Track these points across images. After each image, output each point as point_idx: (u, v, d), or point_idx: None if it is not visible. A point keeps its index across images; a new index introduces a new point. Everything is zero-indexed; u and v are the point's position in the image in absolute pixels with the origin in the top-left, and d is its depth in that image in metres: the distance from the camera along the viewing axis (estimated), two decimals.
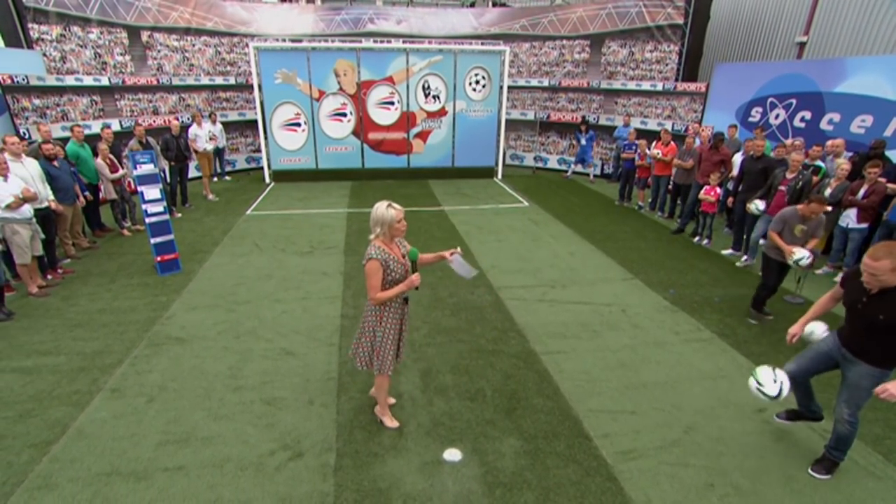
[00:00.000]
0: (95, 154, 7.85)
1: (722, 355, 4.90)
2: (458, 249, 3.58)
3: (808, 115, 8.80)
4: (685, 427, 3.86)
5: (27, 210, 5.66)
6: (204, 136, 10.56)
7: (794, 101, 9.03)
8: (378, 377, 3.63)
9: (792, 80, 9.06)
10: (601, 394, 4.26)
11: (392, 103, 12.08)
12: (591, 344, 5.03)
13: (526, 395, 4.17)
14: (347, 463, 3.40)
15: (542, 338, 5.11)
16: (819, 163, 7.43)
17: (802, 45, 10.63)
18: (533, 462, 3.46)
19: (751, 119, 9.93)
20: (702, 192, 7.98)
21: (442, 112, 12.35)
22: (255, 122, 12.04)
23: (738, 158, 8.24)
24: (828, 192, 6.73)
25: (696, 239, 8.26)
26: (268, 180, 12.24)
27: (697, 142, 9.07)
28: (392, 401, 4.02)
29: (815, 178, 6.93)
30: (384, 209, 3.19)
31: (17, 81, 8.81)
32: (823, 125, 8.57)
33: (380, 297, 3.22)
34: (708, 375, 4.56)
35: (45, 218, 6.16)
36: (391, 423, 3.78)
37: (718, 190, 7.83)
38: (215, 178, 12.22)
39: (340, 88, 11.75)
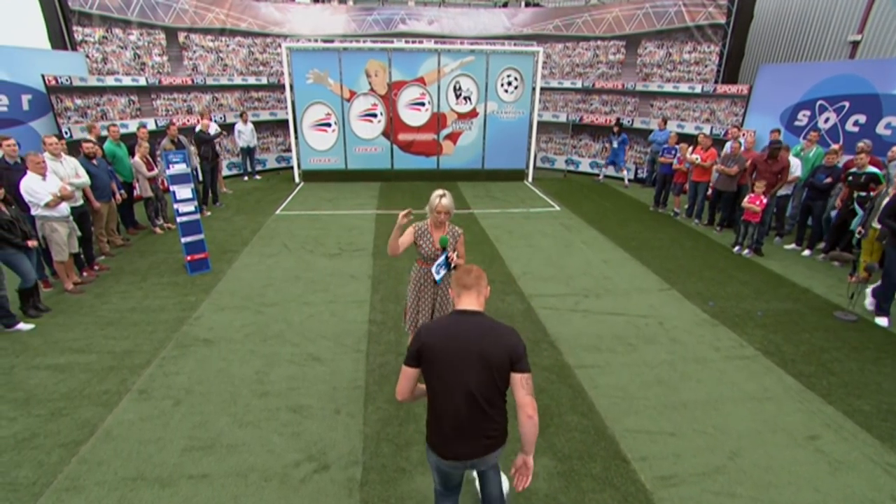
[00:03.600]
0: (131, 153, 8.00)
1: (767, 375, 4.61)
2: (453, 255, 3.71)
3: (862, 118, 8.30)
4: (729, 452, 3.62)
5: (64, 208, 5.77)
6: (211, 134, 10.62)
7: (846, 104, 8.53)
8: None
9: (845, 82, 8.56)
10: (638, 412, 4.04)
11: (423, 104, 11.99)
12: (626, 358, 4.81)
13: (559, 412, 3.99)
14: (374, 478, 3.29)
15: (575, 350, 4.91)
16: (873, 169, 6.98)
17: (856, 43, 10.07)
18: (567, 484, 3.29)
19: (797, 123, 9.45)
20: (745, 199, 7.60)
21: (473, 113, 12.20)
22: (286, 121, 12.13)
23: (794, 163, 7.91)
24: (885, 201, 6.31)
25: (737, 248, 7.87)
26: (297, 180, 12.31)
27: (743, 146, 8.69)
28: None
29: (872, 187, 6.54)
30: (434, 196, 3.64)
31: (62, 82, 9.06)
32: (881, 129, 8.05)
33: (391, 242, 3.63)
34: (753, 396, 4.29)
35: (81, 216, 6.28)
36: None
37: (764, 199, 7.44)
38: (246, 178, 12.38)
39: (371, 89, 11.72)
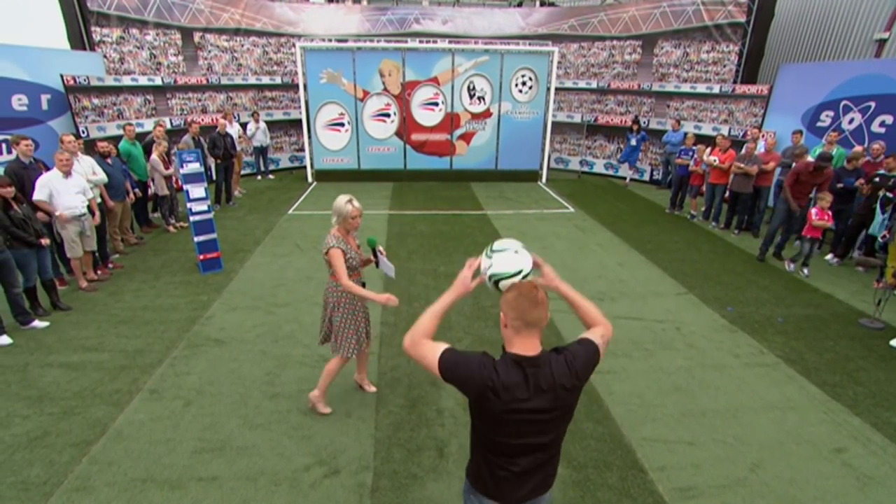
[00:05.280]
0: (146, 151, 8.06)
1: (789, 383, 4.47)
2: (382, 248, 3.68)
3: (889, 119, 8.06)
4: (751, 464, 3.50)
5: (76, 207, 5.79)
6: (232, 135, 10.63)
7: (872, 104, 8.29)
8: (334, 359, 3.73)
9: (871, 81, 8.31)
10: (656, 420, 3.93)
11: (436, 104, 11.94)
12: (643, 364, 4.70)
13: (574, 419, 3.84)
14: (385, 484, 3.23)
15: None
16: None
17: (882, 42, 9.79)
18: (583, 494, 3.20)
19: (819, 124, 9.22)
20: (814, 215, 6.69)
21: (486, 114, 12.12)
22: (300, 121, 12.15)
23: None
24: None
25: (791, 266, 7.15)
26: (310, 179, 12.33)
27: (761, 147, 8.50)
28: (373, 388, 4.15)
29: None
30: (343, 203, 3.36)
31: (80, 82, 9.15)
32: None
33: (348, 285, 3.38)
34: (774, 406, 4.15)
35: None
36: (324, 409, 3.87)
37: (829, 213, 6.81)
38: (259, 177, 12.42)
39: (385, 89, 11.69)
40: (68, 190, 5.62)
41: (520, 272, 1.90)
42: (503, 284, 1.89)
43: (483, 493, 1.93)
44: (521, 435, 1.77)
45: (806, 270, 6.99)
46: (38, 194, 5.46)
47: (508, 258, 1.92)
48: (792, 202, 7.15)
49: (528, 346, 1.74)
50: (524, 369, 1.71)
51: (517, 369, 1.71)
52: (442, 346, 1.78)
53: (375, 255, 3.67)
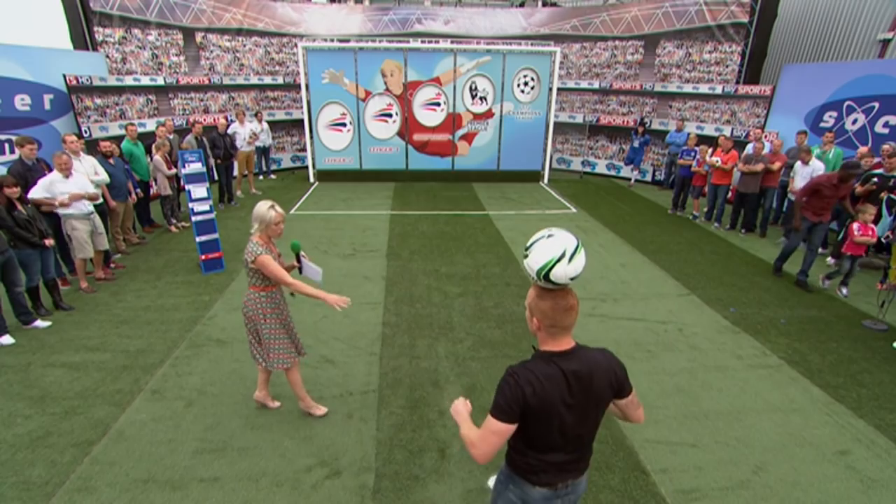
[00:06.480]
0: (148, 152, 8.06)
1: (792, 385, 4.45)
2: (304, 253, 3.65)
3: (893, 119, 8.02)
4: (754, 466, 3.49)
5: (85, 206, 5.81)
6: (244, 134, 10.66)
7: (876, 105, 8.27)
8: (287, 374, 3.62)
9: (874, 82, 8.28)
10: (658, 422, 3.92)
11: (438, 104, 11.93)
12: (645, 366, 4.68)
13: None
14: (387, 485, 3.22)
15: None
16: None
17: (886, 42, 9.75)
18: (585, 496, 3.18)
19: (822, 125, 9.19)
20: (856, 231, 5.99)
21: (488, 114, 12.11)
22: (302, 121, 12.15)
23: (800, 169, 7.71)
24: None
25: (826, 283, 6.57)
26: (312, 180, 12.33)
27: (767, 148, 8.48)
28: (277, 404, 3.97)
29: None
30: (266, 209, 3.27)
31: (82, 82, 9.16)
32: None
33: (294, 284, 3.27)
34: (777, 407, 4.14)
35: (99, 214, 6.32)
36: (319, 410, 3.83)
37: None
38: (261, 177, 12.43)
39: (387, 89, 11.69)
40: (70, 190, 5.62)
41: (563, 254, 1.75)
42: (555, 275, 1.75)
43: (527, 482, 1.95)
44: (554, 430, 1.81)
45: (844, 290, 6.38)
46: (35, 193, 5.47)
47: (543, 246, 1.79)
48: (797, 218, 6.57)
49: (562, 344, 1.81)
50: (558, 364, 1.77)
51: (552, 365, 1.77)
52: (488, 420, 1.78)
53: (299, 260, 3.59)
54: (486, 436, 1.76)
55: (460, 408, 1.99)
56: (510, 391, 1.74)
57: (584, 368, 1.79)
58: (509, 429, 1.75)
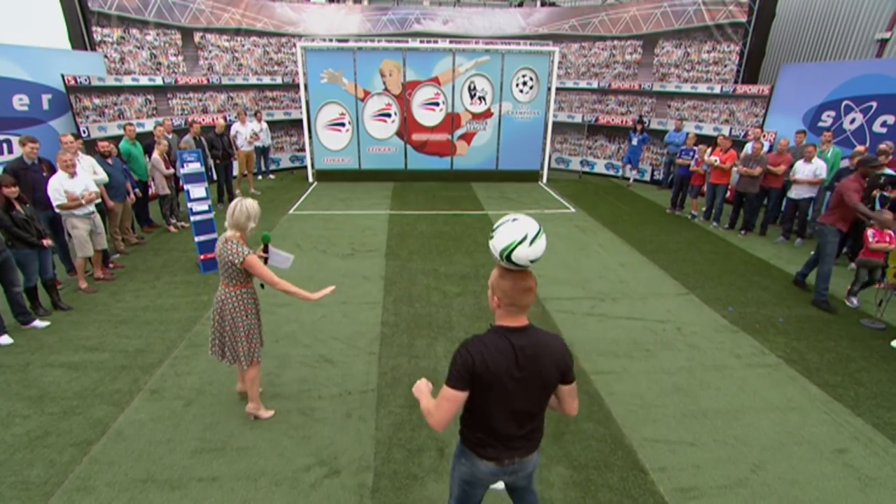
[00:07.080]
0: (146, 151, 8.06)
1: (790, 384, 4.46)
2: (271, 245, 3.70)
3: (890, 119, 8.04)
4: (752, 465, 3.49)
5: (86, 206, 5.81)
6: (246, 134, 10.66)
7: (874, 104, 8.28)
8: (250, 368, 3.62)
9: (872, 81, 8.29)
10: (656, 421, 3.93)
11: (437, 104, 11.93)
12: (644, 364, 4.69)
13: (575, 419, 3.89)
14: (385, 484, 3.22)
15: (591, 356, 4.80)
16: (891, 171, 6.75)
17: (884, 42, 9.77)
18: (584, 495, 3.19)
19: (821, 124, 9.20)
20: (870, 237, 5.74)
21: (487, 114, 12.11)
22: (300, 121, 12.14)
23: (801, 167, 7.73)
24: None
25: (855, 301, 6.13)
26: (311, 179, 12.33)
27: (767, 147, 8.49)
28: (270, 413, 3.91)
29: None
30: (241, 207, 3.30)
31: (80, 82, 9.15)
32: None
33: (281, 284, 3.36)
34: (775, 406, 4.15)
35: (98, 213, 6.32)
36: (266, 413, 3.83)
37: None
38: (259, 177, 12.42)
39: (385, 89, 11.69)
40: (76, 189, 5.64)
41: (525, 237, 1.86)
42: (517, 256, 1.85)
43: (477, 455, 2.09)
44: (499, 400, 1.94)
45: (854, 300, 6.10)
46: (58, 200, 5.53)
47: (507, 229, 1.89)
48: (870, 216, 5.75)
49: (516, 321, 1.95)
50: (509, 338, 1.91)
51: (503, 339, 1.92)
52: (442, 389, 1.93)
53: (266, 250, 3.65)
54: (440, 403, 1.92)
55: (422, 386, 2.12)
56: (461, 360, 1.88)
57: (533, 346, 1.93)
58: (460, 395, 1.90)
